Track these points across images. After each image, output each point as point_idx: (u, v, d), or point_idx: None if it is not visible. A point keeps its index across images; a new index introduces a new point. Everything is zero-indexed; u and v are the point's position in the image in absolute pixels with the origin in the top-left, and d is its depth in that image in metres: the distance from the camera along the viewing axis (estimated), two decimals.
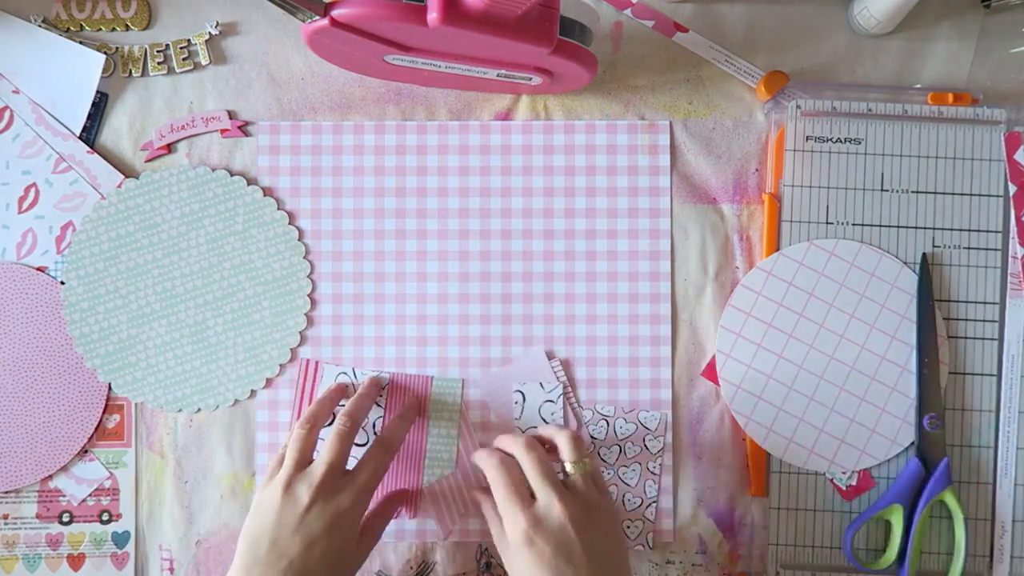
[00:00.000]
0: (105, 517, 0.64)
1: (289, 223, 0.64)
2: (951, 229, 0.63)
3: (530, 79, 0.60)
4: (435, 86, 0.65)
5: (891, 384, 0.62)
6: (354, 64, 0.62)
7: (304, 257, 0.64)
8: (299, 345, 0.64)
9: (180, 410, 0.64)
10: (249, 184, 0.64)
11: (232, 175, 0.64)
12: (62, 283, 0.64)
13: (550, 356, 0.64)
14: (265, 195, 0.64)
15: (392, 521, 0.63)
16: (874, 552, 0.63)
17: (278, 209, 0.64)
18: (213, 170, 0.64)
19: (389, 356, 0.64)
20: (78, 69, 0.64)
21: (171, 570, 0.64)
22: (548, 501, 0.52)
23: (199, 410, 0.64)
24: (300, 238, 0.64)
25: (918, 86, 0.65)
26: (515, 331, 0.64)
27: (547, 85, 0.61)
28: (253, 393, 0.64)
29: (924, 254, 0.63)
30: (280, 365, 0.64)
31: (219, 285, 0.64)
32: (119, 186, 0.64)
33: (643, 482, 0.63)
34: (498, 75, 0.60)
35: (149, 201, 0.64)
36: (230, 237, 0.64)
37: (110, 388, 0.64)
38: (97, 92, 0.64)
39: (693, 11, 0.65)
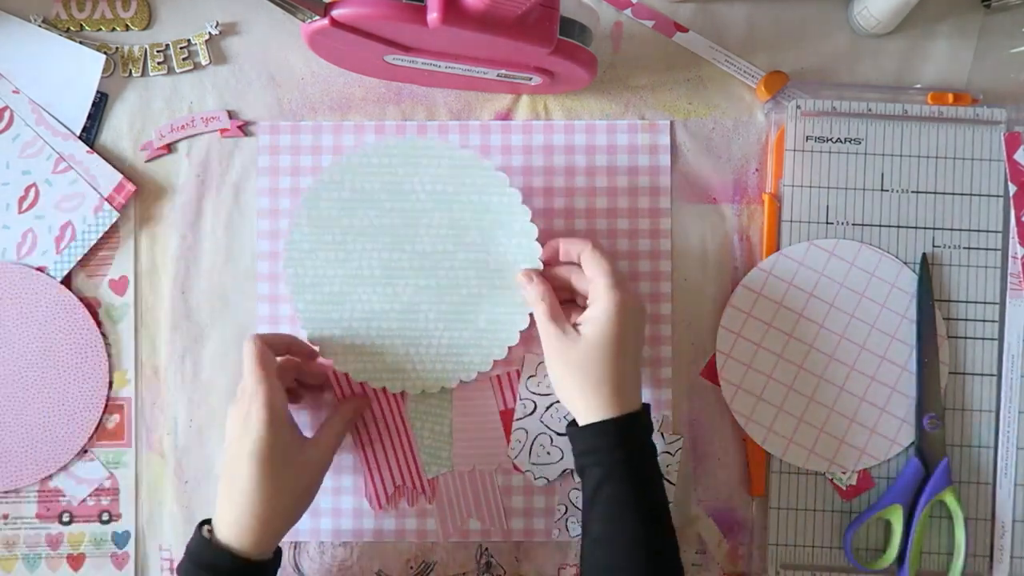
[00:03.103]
0: (105, 517, 0.64)
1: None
2: (951, 229, 0.63)
3: (530, 79, 0.60)
4: (435, 86, 0.65)
5: (891, 384, 0.62)
6: (354, 64, 0.62)
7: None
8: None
9: (382, 385, 0.62)
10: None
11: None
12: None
13: None
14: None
15: (392, 520, 0.63)
16: (874, 552, 0.63)
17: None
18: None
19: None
20: (78, 69, 0.64)
21: (171, 570, 0.64)
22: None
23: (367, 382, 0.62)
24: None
25: (918, 86, 0.65)
26: None
27: (547, 85, 0.61)
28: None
29: (924, 254, 0.63)
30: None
31: (445, 273, 0.61)
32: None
33: None
34: (498, 75, 0.60)
35: (404, 164, 0.61)
36: (471, 229, 0.61)
37: (110, 388, 0.64)
38: (97, 92, 0.64)
39: (693, 11, 0.65)
